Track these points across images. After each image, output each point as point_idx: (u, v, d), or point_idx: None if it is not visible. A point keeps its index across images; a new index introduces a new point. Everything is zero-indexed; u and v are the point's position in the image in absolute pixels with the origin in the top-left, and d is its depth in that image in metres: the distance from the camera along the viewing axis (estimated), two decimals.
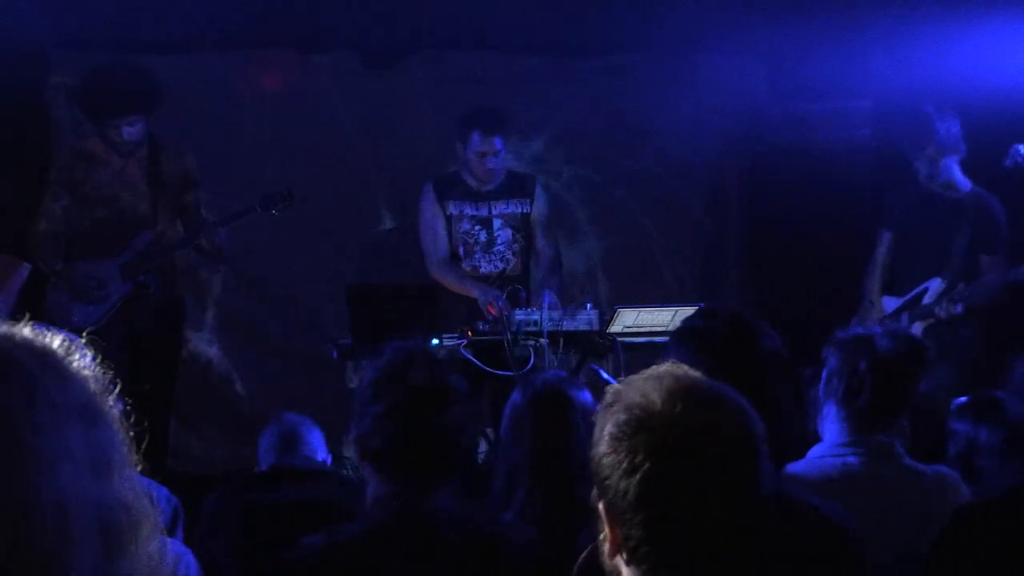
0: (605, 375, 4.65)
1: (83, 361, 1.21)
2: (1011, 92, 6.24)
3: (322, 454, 4.05)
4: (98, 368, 1.24)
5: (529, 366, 5.29)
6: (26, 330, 1.20)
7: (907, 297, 5.94)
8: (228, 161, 6.91)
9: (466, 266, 6.15)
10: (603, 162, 7.40)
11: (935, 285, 5.82)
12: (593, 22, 6.93)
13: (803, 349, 3.64)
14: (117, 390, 1.23)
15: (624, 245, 7.46)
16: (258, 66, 7.14)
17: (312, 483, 3.66)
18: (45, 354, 1.18)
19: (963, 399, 3.94)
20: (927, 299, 5.83)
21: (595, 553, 1.69)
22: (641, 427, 1.58)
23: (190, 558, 2.90)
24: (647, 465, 1.56)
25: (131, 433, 1.22)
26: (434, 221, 6.19)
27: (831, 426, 3.23)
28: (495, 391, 5.25)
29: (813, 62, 6.96)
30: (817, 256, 7.02)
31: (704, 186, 7.52)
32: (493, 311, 5.58)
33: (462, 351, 5.36)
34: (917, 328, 5.71)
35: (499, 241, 6.19)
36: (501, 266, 6.17)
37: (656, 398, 1.60)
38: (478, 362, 5.32)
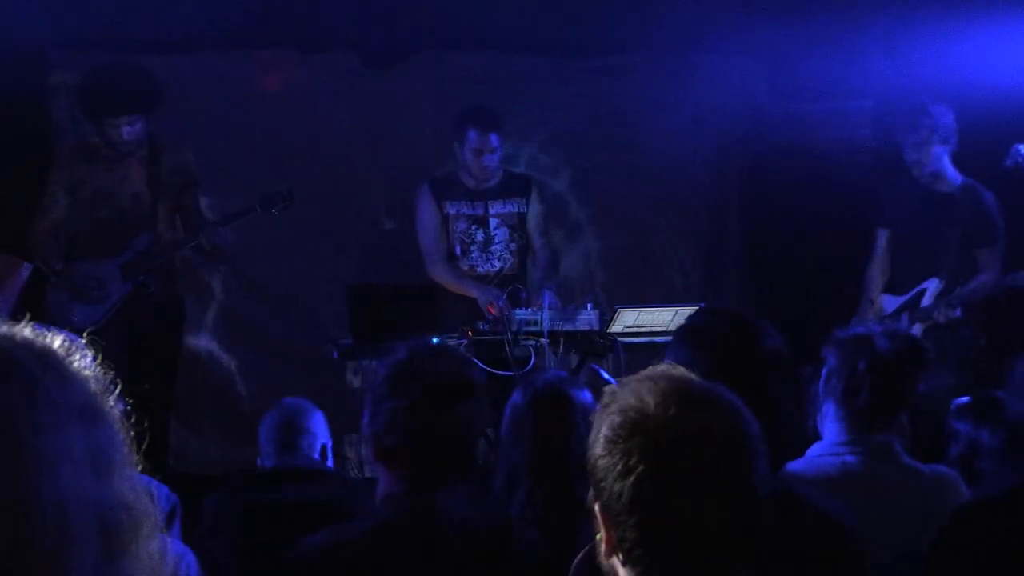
0: (605, 375, 4.65)
1: (83, 361, 1.21)
2: (1011, 92, 6.24)
3: (323, 438, 4.03)
4: (98, 368, 1.24)
5: (529, 366, 5.29)
6: (26, 330, 1.20)
7: (905, 298, 5.94)
8: (228, 161, 6.91)
9: (463, 265, 6.15)
10: (603, 162, 7.40)
11: (933, 286, 5.82)
12: (593, 22, 6.94)
13: (803, 349, 3.64)
14: (117, 390, 1.23)
15: (624, 245, 7.46)
16: (258, 66, 7.14)
17: (312, 483, 3.66)
18: (45, 354, 1.18)
19: (963, 399, 3.94)
20: (925, 300, 5.83)
21: (592, 553, 1.70)
22: (635, 429, 1.59)
23: (191, 558, 2.90)
24: (641, 467, 1.57)
25: (131, 433, 1.22)
26: (431, 221, 6.20)
27: (830, 425, 3.23)
28: (495, 391, 5.25)
29: (813, 62, 6.96)
30: (817, 256, 7.02)
31: (704, 186, 7.52)
32: (494, 311, 5.58)
33: (462, 351, 5.36)
34: (917, 330, 5.71)
35: (496, 240, 6.20)
36: (498, 265, 6.18)
37: (650, 400, 1.61)
38: (478, 362, 5.32)
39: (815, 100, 7.19)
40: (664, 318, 5.43)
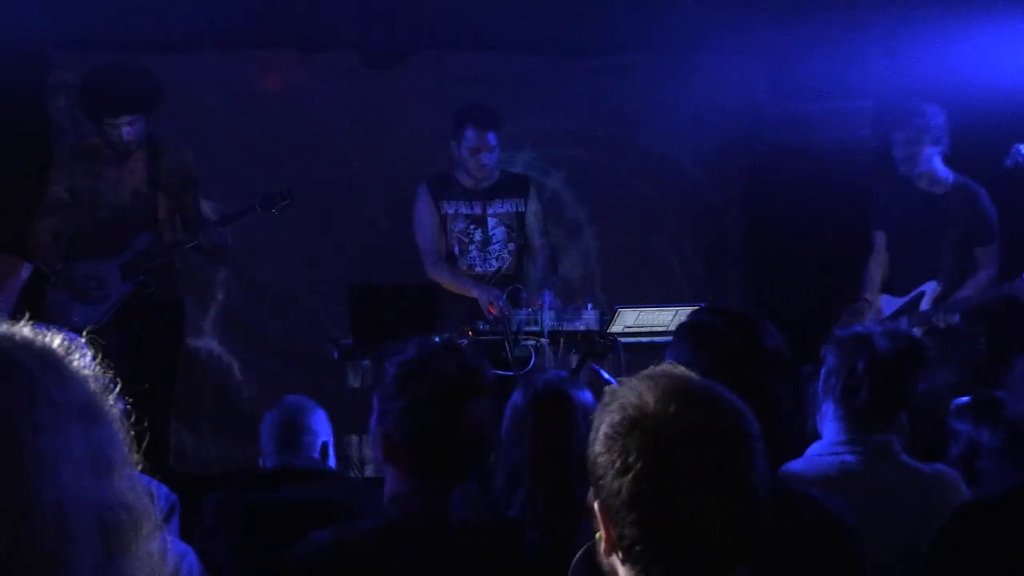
0: (605, 375, 4.65)
1: (83, 361, 1.21)
2: (1011, 92, 6.24)
3: (324, 436, 4.03)
4: (98, 368, 1.24)
5: (530, 366, 5.29)
6: (26, 330, 1.20)
7: (904, 300, 5.95)
8: (228, 161, 6.91)
9: (461, 265, 6.16)
10: (603, 162, 7.40)
11: (931, 288, 5.82)
12: (593, 22, 6.94)
13: (803, 348, 3.64)
14: (117, 390, 1.23)
15: (624, 245, 7.46)
16: (258, 66, 7.14)
17: (313, 483, 3.65)
18: (45, 354, 1.18)
19: (963, 399, 3.94)
20: (924, 303, 5.84)
21: (591, 552, 1.70)
22: (635, 427, 1.59)
23: (192, 557, 2.90)
24: (640, 464, 1.57)
25: (131, 433, 1.22)
26: (429, 221, 6.20)
27: (829, 424, 3.23)
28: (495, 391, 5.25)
29: (813, 62, 6.96)
30: (817, 256, 7.02)
31: (704, 186, 7.52)
32: (494, 311, 5.58)
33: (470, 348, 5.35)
34: (916, 333, 5.71)
35: (494, 240, 6.20)
36: (496, 265, 6.18)
37: (650, 398, 1.61)
38: None
39: (815, 100, 7.19)
40: (664, 318, 5.43)
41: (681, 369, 1.70)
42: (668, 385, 1.63)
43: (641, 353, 5.29)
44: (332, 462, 4.08)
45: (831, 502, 2.48)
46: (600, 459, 1.61)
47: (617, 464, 1.58)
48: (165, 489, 3.27)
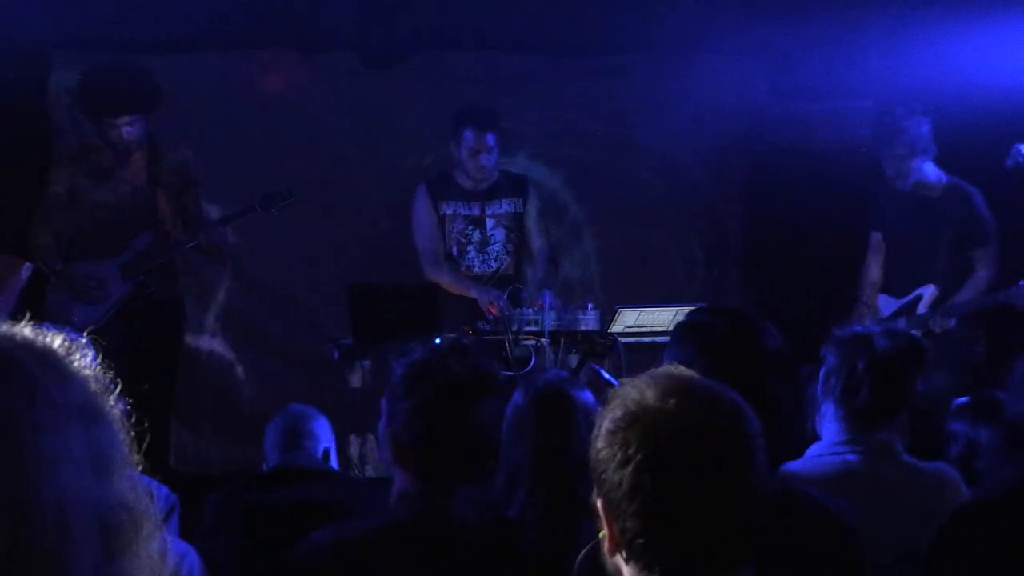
0: (606, 375, 4.65)
1: (83, 361, 1.21)
2: (1011, 92, 6.24)
3: (325, 442, 4.04)
4: (98, 368, 1.24)
5: (530, 366, 5.29)
6: (26, 330, 1.20)
7: (901, 303, 5.96)
8: (228, 161, 6.91)
9: (459, 266, 6.16)
10: (603, 162, 7.40)
11: (929, 292, 5.83)
12: (593, 22, 6.93)
13: (803, 349, 3.64)
14: (117, 390, 1.23)
15: (624, 245, 7.46)
16: (258, 66, 7.14)
17: (314, 483, 3.65)
18: (45, 354, 1.18)
19: (963, 399, 3.94)
20: (921, 307, 5.84)
21: (594, 552, 1.70)
22: (635, 421, 1.61)
23: (193, 556, 2.90)
24: (640, 456, 1.59)
25: (131, 433, 1.22)
26: (428, 221, 6.21)
27: (830, 425, 3.22)
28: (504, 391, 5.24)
29: (813, 62, 6.96)
30: (817, 256, 7.02)
31: (704, 186, 7.52)
32: (494, 311, 5.58)
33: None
34: (915, 333, 5.71)
35: (493, 241, 6.20)
36: (495, 266, 6.18)
37: (651, 394, 1.63)
38: None
39: (815, 100, 7.19)
40: (664, 318, 5.43)
41: (683, 369, 1.71)
42: (669, 382, 1.65)
43: (641, 353, 5.29)
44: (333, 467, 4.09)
45: (831, 502, 2.48)
46: (601, 454, 1.63)
47: (618, 456, 1.60)
48: (165, 490, 3.27)
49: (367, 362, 6.16)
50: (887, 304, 6.04)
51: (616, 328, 5.48)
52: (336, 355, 5.68)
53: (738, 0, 6.72)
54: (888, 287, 6.12)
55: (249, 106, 7.10)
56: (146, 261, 5.91)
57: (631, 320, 5.48)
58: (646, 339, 5.44)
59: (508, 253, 6.22)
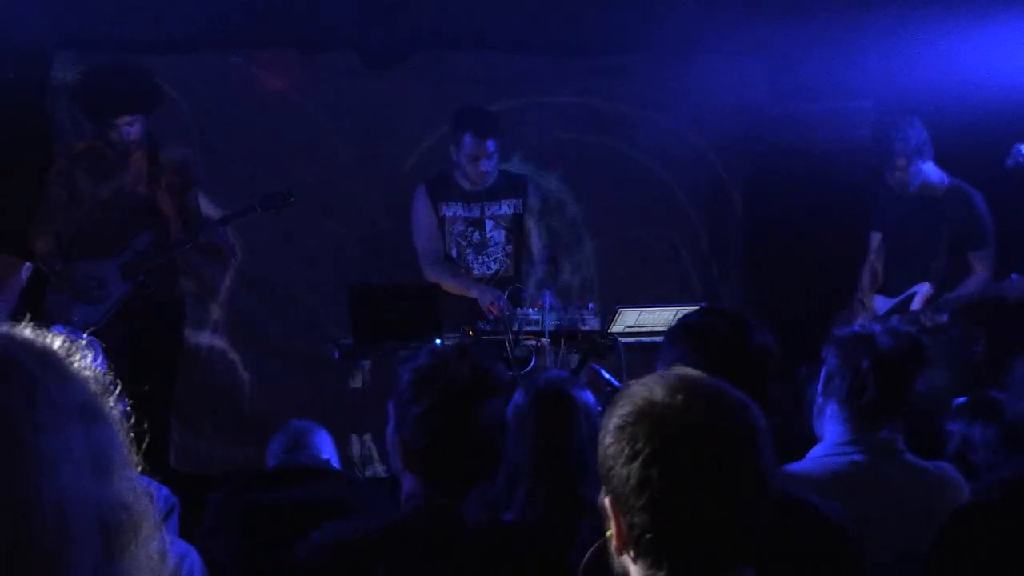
0: (606, 375, 4.65)
1: (83, 361, 1.21)
2: (1011, 92, 6.24)
3: (326, 454, 4.05)
4: (99, 368, 1.24)
5: (531, 366, 5.29)
6: (26, 330, 1.20)
7: (895, 301, 5.96)
8: (228, 161, 6.91)
9: (459, 268, 6.16)
10: (602, 162, 7.40)
11: (923, 290, 5.84)
12: (593, 22, 6.93)
13: (802, 349, 3.64)
14: (117, 390, 1.23)
15: (624, 245, 7.46)
16: (258, 66, 7.14)
17: (315, 482, 3.65)
18: (45, 354, 1.18)
19: (961, 399, 3.95)
20: (915, 304, 5.85)
21: (601, 552, 1.70)
22: (643, 416, 1.62)
23: (194, 556, 2.90)
24: (648, 450, 1.60)
25: (131, 433, 1.22)
26: (428, 222, 6.20)
27: (833, 425, 3.20)
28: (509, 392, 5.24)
29: (813, 62, 6.96)
30: (817, 256, 7.02)
31: (704, 186, 7.52)
32: (494, 311, 5.58)
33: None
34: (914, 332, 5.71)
35: (492, 243, 6.20)
36: (494, 267, 6.18)
37: (659, 391, 1.64)
38: None
39: (815, 100, 7.19)
40: (665, 318, 5.42)
41: (691, 370, 1.72)
42: (678, 380, 1.67)
43: (642, 353, 5.29)
44: None
45: (829, 506, 2.48)
46: (609, 450, 1.64)
47: (626, 451, 1.61)
48: (165, 491, 3.27)
49: (367, 362, 6.16)
50: (883, 304, 6.05)
51: (616, 328, 5.48)
52: (336, 355, 5.68)
53: (738, 0, 6.72)
54: (886, 287, 6.12)
55: (249, 106, 7.10)
56: (146, 261, 5.91)
57: (631, 320, 5.48)
58: (646, 339, 5.44)
59: (507, 255, 6.22)
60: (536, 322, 5.46)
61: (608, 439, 1.64)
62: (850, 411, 3.17)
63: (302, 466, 3.84)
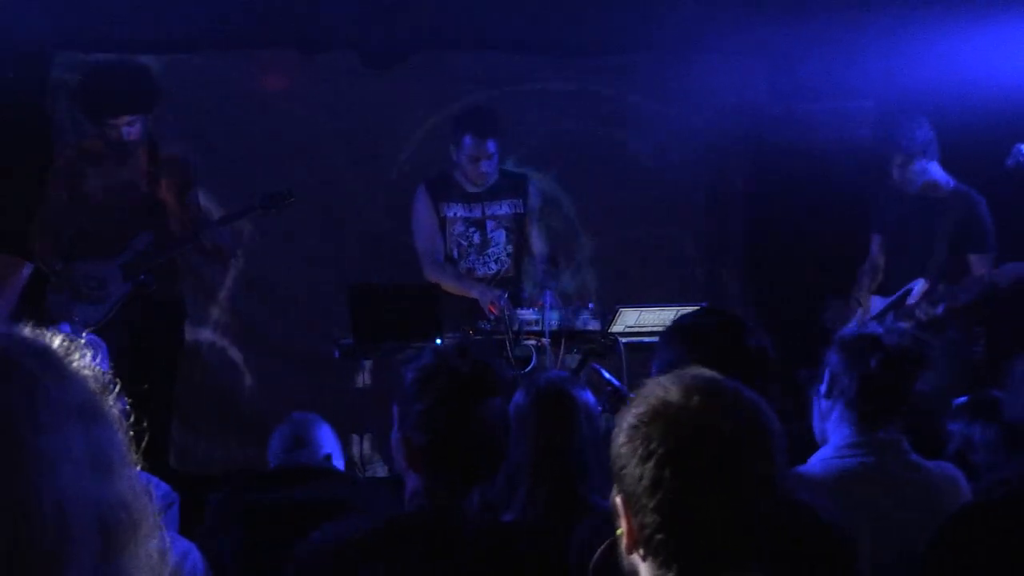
0: (607, 375, 4.65)
1: (83, 361, 1.21)
2: (1011, 92, 6.24)
3: (327, 449, 4.04)
4: (98, 367, 1.24)
5: (531, 366, 5.29)
6: (26, 330, 1.20)
7: (892, 298, 5.96)
8: (228, 161, 6.91)
9: (460, 269, 6.15)
10: (602, 162, 7.40)
11: (919, 286, 5.84)
12: (593, 22, 6.93)
13: (802, 349, 3.64)
14: (117, 390, 1.23)
15: (624, 245, 7.46)
16: (258, 66, 7.14)
17: (315, 482, 3.65)
18: (45, 354, 1.18)
19: (962, 399, 3.95)
20: (911, 300, 5.85)
21: (610, 551, 1.70)
22: (658, 416, 1.63)
23: (196, 555, 2.90)
24: (662, 450, 1.60)
25: (131, 433, 1.22)
26: (429, 222, 6.20)
27: (839, 427, 3.18)
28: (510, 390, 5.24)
29: (813, 62, 6.96)
30: (817, 256, 7.02)
31: (704, 186, 7.52)
32: (495, 311, 5.58)
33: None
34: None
35: (493, 243, 6.20)
36: (495, 268, 6.18)
37: (674, 391, 1.65)
38: None
39: (815, 100, 7.19)
40: (665, 318, 5.41)
41: (707, 371, 1.72)
42: (693, 381, 1.67)
43: (642, 353, 5.28)
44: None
45: (826, 508, 2.49)
46: (623, 449, 1.64)
47: (640, 451, 1.61)
48: (165, 487, 3.27)
49: (368, 362, 6.16)
50: (880, 304, 6.05)
51: (617, 328, 5.48)
52: (337, 355, 5.68)
53: (738, 0, 6.72)
54: (884, 287, 6.12)
55: (249, 106, 7.10)
56: (146, 261, 5.91)
57: (632, 320, 5.48)
58: (647, 339, 5.43)
59: (508, 255, 6.22)
60: (536, 322, 5.46)
61: (622, 438, 1.64)
62: (858, 412, 3.14)
63: (302, 466, 3.84)
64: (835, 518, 2.47)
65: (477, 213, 6.19)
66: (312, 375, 6.67)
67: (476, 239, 6.19)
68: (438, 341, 5.19)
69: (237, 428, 6.85)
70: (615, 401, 4.42)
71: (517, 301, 5.72)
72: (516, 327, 5.44)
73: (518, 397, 3.22)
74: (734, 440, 1.61)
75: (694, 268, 7.54)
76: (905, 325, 5.60)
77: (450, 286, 6.02)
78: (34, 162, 6.48)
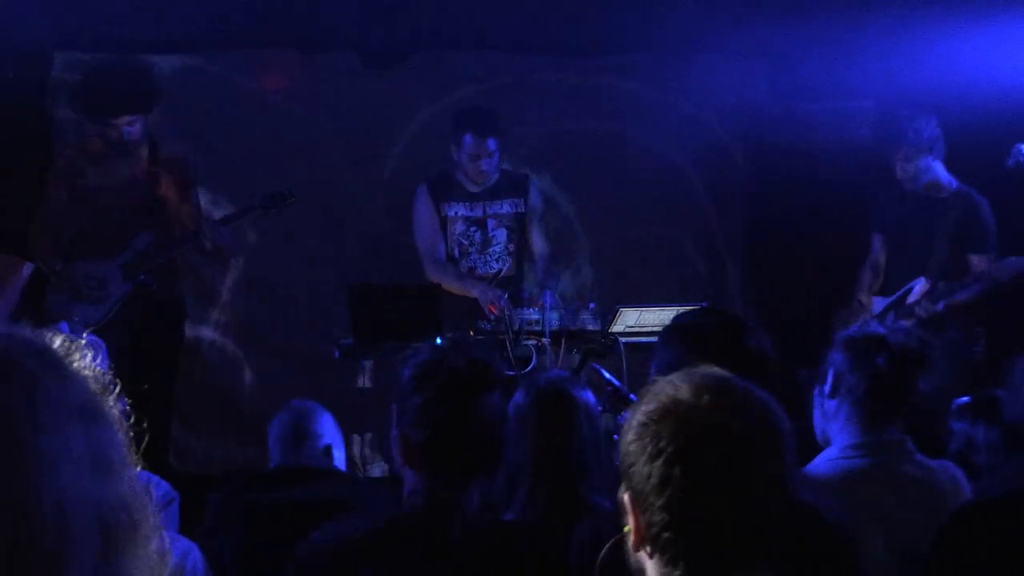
0: (607, 375, 4.65)
1: (83, 361, 1.21)
2: (1011, 92, 6.24)
3: (328, 439, 4.03)
4: (98, 368, 1.24)
5: (531, 366, 5.29)
6: (26, 330, 1.20)
7: (892, 297, 5.96)
8: (228, 161, 6.92)
9: (461, 268, 6.15)
10: (603, 162, 7.40)
11: (920, 285, 5.84)
12: (593, 22, 6.93)
13: (802, 349, 3.64)
14: (117, 390, 1.23)
15: (624, 244, 7.46)
16: (258, 66, 7.14)
17: (316, 482, 3.65)
18: (45, 354, 1.18)
19: (963, 399, 3.95)
20: (911, 299, 5.85)
21: (617, 548, 1.70)
22: (667, 414, 1.63)
23: (197, 554, 2.90)
24: (671, 448, 1.60)
25: (131, 433, 1.22)
26: (430, 222, 6.20)
27: (843, 427, 3.17)
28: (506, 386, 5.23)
29: (813, 62, 6.96)
30: (817, 256, 7.02)
31: (704, 186, 7.52)
32: (495, 310, 5.58)
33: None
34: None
35: (494, 242, 6.20)
36: (496, 267, 6.18)
37: (685, 389, 1.65)
38: None
39: (815, 100, 7.19)
40: (665, 318, 5.38)
41: (718, 370, 1.72)
42: (704, 380, 1.67)
43: (642, 353, 5.28)
44: (339, 465, 4.06)
45: (827, 508, 2.48)
46: (632, 446, 1.64)
47: (649, 449, 1.61)
48: (166, 485, 3.27)
49: (368, 362, 6.16)
50: (881, 304, 6.05)
51: (617, 328, 5.48)
52: (337, 355, 5.68)
53: (738, 0, 6.72)
54: (885, 287, 6.12)
55: (249, 106, 7.11)
56: (146, 261, 5.91)
57: (632, 320, 5.48)
58: (647, 339, 5.43)
59: (510, 254, 6.21)
60: (537, 322, 5.46)
61: (631, 435, 1.64)
62: (866, 411, 3.13)
63: (302, 466, 3.84)
64: (838, 518, 2.47)
65: (478, 212, 6.19)
66: (312, 375, 6.66)
67: (477, 238, 6.19)
68: (438, 341, 5.19)
69: (237, 428, 6.85)
70: (615, 401, 4.43)
71: (517, 301, 5.72)
72: (516, 327, 5.44)
73: (518, 397, 3.22)
74: (744, 439, 1.61)
75: (694, 268, 7.54)
76: (906, 324, 5.63)
77: (451, 285, 6.01)
78: (34, 162, 6.48)
